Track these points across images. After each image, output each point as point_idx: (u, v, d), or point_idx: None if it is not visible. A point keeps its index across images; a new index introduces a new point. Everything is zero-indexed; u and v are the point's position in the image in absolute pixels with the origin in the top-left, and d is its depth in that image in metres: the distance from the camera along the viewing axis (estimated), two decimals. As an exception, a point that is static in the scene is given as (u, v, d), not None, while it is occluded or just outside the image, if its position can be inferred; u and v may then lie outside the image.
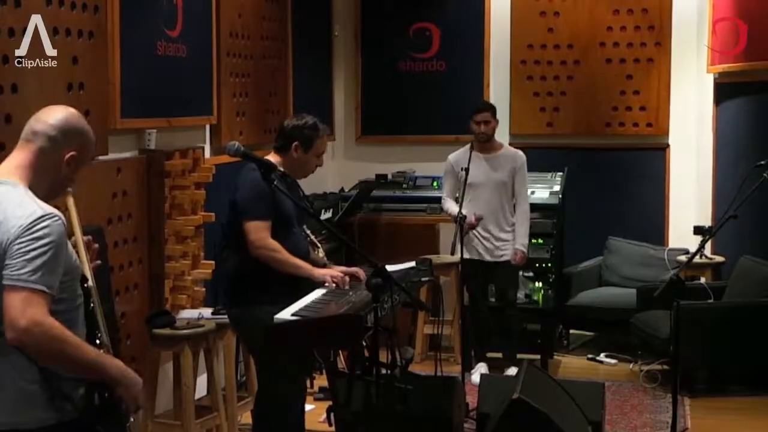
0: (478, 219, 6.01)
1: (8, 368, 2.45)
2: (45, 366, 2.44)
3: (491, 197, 6.13)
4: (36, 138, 2.55)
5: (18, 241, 2.37)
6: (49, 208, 2.46)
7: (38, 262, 2.36)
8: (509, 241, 6.17)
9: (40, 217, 2.40)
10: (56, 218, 2.44)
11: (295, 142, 4.20)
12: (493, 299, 6.47)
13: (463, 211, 5.82)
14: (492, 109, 6.21)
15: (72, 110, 2.63)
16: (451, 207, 6.09)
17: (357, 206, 7.08)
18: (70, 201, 2.81)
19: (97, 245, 2.84)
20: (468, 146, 6.14)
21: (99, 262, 2.86)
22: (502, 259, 6.16)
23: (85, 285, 2.65)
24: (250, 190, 4.02)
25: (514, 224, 6.18)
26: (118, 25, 4.62)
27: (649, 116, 7.50)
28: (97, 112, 4.44)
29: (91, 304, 2.66)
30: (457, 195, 6.11)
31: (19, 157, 2.55)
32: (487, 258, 6.15)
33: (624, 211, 7.53)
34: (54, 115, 2.58)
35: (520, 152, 6.29)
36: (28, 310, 2.33)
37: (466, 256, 6.05)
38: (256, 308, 3.97)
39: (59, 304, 2.44)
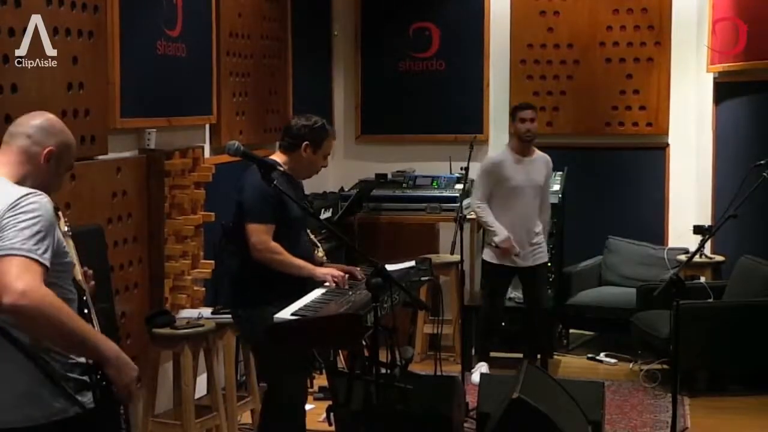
0: (515, 254, 6.02)
1: (2, 366, 2.45)
2: (40, 362, 2.43)
3: (529, 201, 6.08)
4: (13, 138, 2.61)
5: (7, 215, 2.39)
6: (34, 189, 2.49)
7: (28, 232, 2.37)
8: (540, 244, 6.16)
9: (26, 194, 2.44)
10: (42, 195, 2.47)
11: (305, 142, 4.16)
12: (509, 297, 6.51)
13: (497, 225, 5.95)
14: (534, 107, 6.14)
15: (50, 114, 2.70)
16: (492, 220, 6.02)
17: (357, 206, 7.08)
18: (70, 242, 2.81)
19: (91, 272, 2.84)
20: (506, 148, 6.12)
21: (92, 283, 2.86)
22: (536, 263, 6.14)
23: (84, 298, 2.65)
24: (254, 192, 3.99)
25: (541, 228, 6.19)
26: (118, 25, 4.62)
27: (649, 116, 7.50)
28: (97, 112, 4.44)
29: (86, 310, 2.66)
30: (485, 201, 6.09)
31: (1, 158, 2.60)
32: (521, 264, 6.10)
33: (624, 211, 7.53)
34: (31, 119, 2.65)
35: (548, 156, 6.26)
36: (24, 275, 2.31)
37: (495, 261, 6.06)
38: (263, 309, 3.95)
39: (50, 288, 2.41)
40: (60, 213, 2.85)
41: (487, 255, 6.21)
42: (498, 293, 6.31)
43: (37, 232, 2.39)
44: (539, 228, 6.16)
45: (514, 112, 6.14)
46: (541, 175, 6.13)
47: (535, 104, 7.37)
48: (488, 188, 6.06)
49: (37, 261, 2.36)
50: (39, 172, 2.60)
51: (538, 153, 6.21)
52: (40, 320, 2.33)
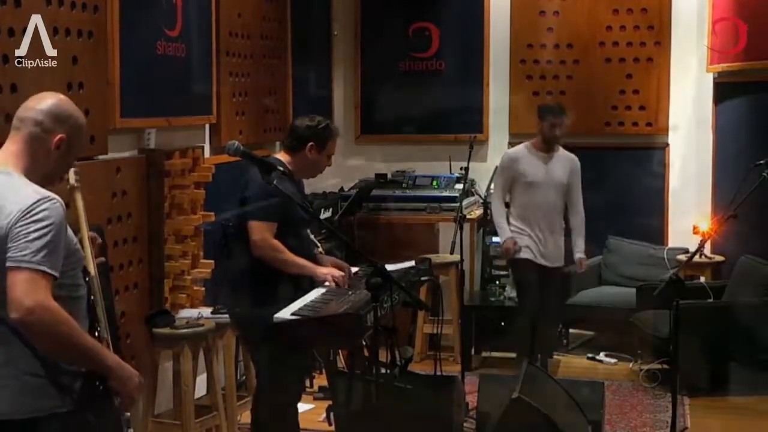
0: (515, 252, 5.95)
1: (6, 358, 2.45)
2: (43, 357, 2.44)
3: (548, 198, 5.99)
4: (23, 125, 2.56)
5: (18, 224, 2.38)
6: (46, 192, 2.47)
7: (40, 243, 2.37)
8: (562, 246, 6.09)
9: (38, 200, 2.42)
10: (54, 201, 2.45)
11: (310, 143, 4.17)
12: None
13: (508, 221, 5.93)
14: (566, 113, 5.99)
15: (61, 96, 2.64)
16: (500, 220, 5.98)
17: (356, 205, 7.08)
18: (78, 196, 2.81)
19: (100, 241, 2.84)
20: (527, 144, 6.03)
21: (103, 259, 2.86)
22: (553, 264, 6.06)
23: (86, 279, 2.65)
24: (258, 190, 3.98)
25: (563, 229, 6.11)
26: (118, 25, 4.62)
27: (649, 115, 7.50)
28: (96, 112, 4.44)
29: (92, 297, 2.66)
30: (507, 199, 6.03)
31: (10, 146, 2.56)
32: (542, 262, 6.00)
33: (624, 211, 7.52)
34: (41, 102, 2.59)
35: (574, 156, 6.14)
36: (32, 291, 2.33)
37: (518, 255, 5.97)
38: (261, 308, 3.95)
39: (60, 289, 2.43)
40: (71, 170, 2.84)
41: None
42: (526, 290, 6.11)
43: (48, 243, 2.38)
44: (562, 228, 6.08)
45: (544, 114, 5.94)
46: (562, 173, 6.00)
47: (534, 104, 7.42)
48: (506, 184, 6.01)
49: (45, 273, 2.36)
50: (48, 161, 2.56)
51: (561, 151, 6.06)
52: (46, 335, 2.37)
